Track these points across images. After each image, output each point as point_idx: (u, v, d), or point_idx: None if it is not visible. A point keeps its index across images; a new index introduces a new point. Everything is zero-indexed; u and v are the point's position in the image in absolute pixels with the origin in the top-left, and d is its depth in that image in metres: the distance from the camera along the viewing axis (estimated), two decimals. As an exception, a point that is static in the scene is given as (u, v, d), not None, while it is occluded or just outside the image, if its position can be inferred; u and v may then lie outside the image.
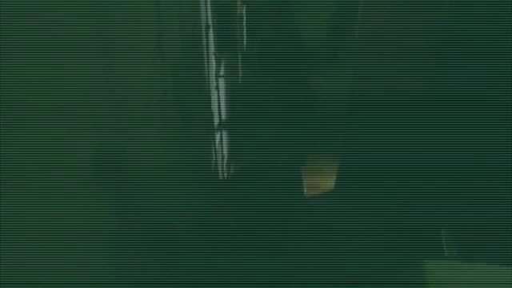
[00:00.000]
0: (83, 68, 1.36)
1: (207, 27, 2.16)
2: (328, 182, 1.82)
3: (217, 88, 2.29)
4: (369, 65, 1.89)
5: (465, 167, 1.81)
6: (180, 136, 1.93)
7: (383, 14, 1.81)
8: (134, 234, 1.32)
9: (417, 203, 1.74)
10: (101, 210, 1.33)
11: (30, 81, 1.11)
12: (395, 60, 1.82)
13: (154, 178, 1.48)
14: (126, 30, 1.72)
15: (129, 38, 1.76)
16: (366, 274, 1.33)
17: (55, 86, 1.22)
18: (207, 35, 2.16)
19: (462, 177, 1.79)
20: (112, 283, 1.27)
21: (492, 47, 1.72)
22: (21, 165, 1.04)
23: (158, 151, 1.67)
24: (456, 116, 1.83)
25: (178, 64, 2.06)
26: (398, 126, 1.85)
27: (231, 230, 1.40)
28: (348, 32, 2.03)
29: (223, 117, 2.28)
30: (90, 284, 1.24)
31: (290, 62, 2.26)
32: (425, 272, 1.39)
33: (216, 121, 2.21)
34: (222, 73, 2.29)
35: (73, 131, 1.29)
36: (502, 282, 1.34)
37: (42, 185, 1.11)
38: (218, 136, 2.14)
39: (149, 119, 1.73)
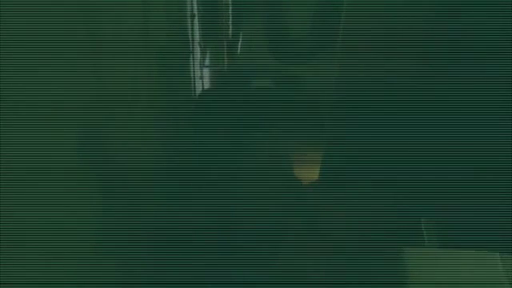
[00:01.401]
0: (69, 62, 1.32)
1: (192, 16, 2.13)
2: (311, 181, 1.84)
3: (201, 78, 2.28)
4: (360, 64, 1.92)
5: (462, 167, 1.85)
6: (165, 128, 1.92)
7: (375, 12, 1.82)
8: (135, 234, 1.32)
9: (413, 203, 1.78)
10: (101, 210, 1.32)
11: (24, 81, 1.09)
12: (388, 60, 1.84)
13: (151, 176, 1.46)
14: (111, 22, 1.68)
15: (114, 29, 1.72)
16: (362, 273, 1.37)
17: (47, 86, 1.19)
18: (192, 24, 2.13)
19: (459, 177, 1.83)
20: (113, 283, 1.27)
21: (489, 47, 1.74)
22: (16, 165, 1.02)
23: (146, 147, 1.65)
24: (450, 115, 1.87)
25: (163, 54, 2.03)
26: (394, 125, 1.89)
27: (231, 229, 1.42)
28: (335, 26, 2.03)
29: (208, 107, 2.27)
30: (90, 284, 1.25)
31: (277, 52, 2.26)
32: (420, 271, 1.44)
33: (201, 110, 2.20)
34: (206, 62, 2.27)
35: (70, 131, 1.28)
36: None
37: (42, 185, 1.10)
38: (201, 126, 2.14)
39: (138, 114, 1.71)
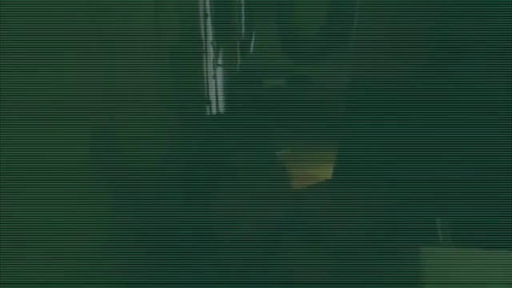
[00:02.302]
0: (75, 60, 1.33)
1: (205, 16, 2.14)
2: (324, 180, 1.83)
3: (214, 77, 2.28)
4: (374, 63, 1.90)
5: (462, 167, 1.83)
6: (177, 128, 1.92)
7: (388, 11, 1.81)
8: (134, 233, 1.32)
9: (413, 202, 1.77)
10: (101, 210, 1.33)
11: (27, 81, 1.10)
12: (394, 60, 1.83)
13: (153, 175, 1.45)
14: (122, 20, 1.69)
15: (126, 29, 1.73)
16: (362, 274, 1.36)
17: (52, 86, 1.20)
18: (205, 24, 2.14)
19: (460, 177, 1.82)
20: (113, 283, 1.27)
21: (493, 47, 1.73)
22: (19, 165, 1.04)
23: (156, 146, 1.64)
24: (466, 115, 1.85)
25: (176, 54, 2.04)
26: (407, 125, 1.88)
27: (230, 229, 1.41)
28: (349, 24, 2.02)
29: (220, 106, 2.28)
30: (90, 284, 1.26)
31: (290, 51, 2.25)
32: (435, 271, 1.42)
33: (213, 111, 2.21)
34: (219, 62, 2.28)
35: (73, 131, 1.29)
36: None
37: (42, 185, 1.11)
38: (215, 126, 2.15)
39: (147, 114, 1.72)
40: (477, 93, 1.78)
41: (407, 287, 1.44)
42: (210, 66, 2.23)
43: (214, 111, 2.26)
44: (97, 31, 1.50)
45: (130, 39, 1.72)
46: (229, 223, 1.46)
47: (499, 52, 1.73)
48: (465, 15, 1.72)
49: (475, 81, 1.78)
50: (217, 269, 1.37)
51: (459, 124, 1.82)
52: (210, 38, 2.20)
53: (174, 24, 2.02)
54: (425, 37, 1.82)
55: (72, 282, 1.20)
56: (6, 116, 1.01)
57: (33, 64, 1.09)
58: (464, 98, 1.80)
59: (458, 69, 1.79)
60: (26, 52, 1.09)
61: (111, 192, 1.40)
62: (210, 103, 2.24)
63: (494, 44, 1.70)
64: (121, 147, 1.54)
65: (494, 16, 1.68)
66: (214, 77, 2.27)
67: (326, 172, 1.96)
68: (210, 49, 2.21)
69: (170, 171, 1.66)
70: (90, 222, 1.32)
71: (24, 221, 1.04)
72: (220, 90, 2.30)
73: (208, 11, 2.15)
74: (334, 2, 2.14)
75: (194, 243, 1.38)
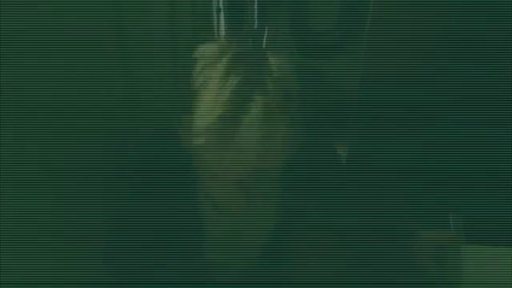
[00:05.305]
0: (86, 59, 1.31)
1: (218, 10, 2.13)
2: (333, 179, 1.81)
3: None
4: (378, 64, 1.89)
5: (476, 165, 1.83)
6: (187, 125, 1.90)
7: (396, 13, 1.79)
8: (135, 233, 1.29)
9: (418, 203, 1.77)
10: (101, 210, 1.32)
11: (40, 81, 1.09)
12: (410, 59, 1.82)
13: (158, 176, 1.40)
14: (136, 15, 1.68)
15: (139, 23, 1.72)
16: (373, 274, 1.35)
17: (65, 86, 1.19)
18: (218, 18, 2.13)
19: (473, 175, 1.81)
20: (112, 283, 1.26)
21: (503, 48, 1.72)
22: (20, 164, 1.03)
23: (168, 145, 1.61)
24: (469, 115, 1.85)
25: (189, 48, 2.02)
26: (407, 124, 1.87)
27: (232, 229, 1.38)
28: (363, 18, 2.00)
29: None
30: (90, 284, 1.25)
31: (303, 46, 2.24)
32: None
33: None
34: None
35: (78, 131, 1.27)
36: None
37: (42, 184, 1.10)
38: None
39: (155, 113, 1.69)
40: (493, 92, 1.77)
41: (420, 287, 1.43)
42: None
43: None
44: (108, 29, 1.48)
45: (142, 37, 1.71)
46: (231, 222, 1.42)
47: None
48: (484, 15, 1.71)
49: (490, 81, 1.77)
50: (217, 269, 1.35)
51: (475, 123, 1.81)
52: (223, 32, 2.18)
53: (187, 18, 2.01)
54: (441, 37, 1.80)
55: (72, 282, 1.19)
56: (17, 116, 1.01)
57: (38, 64, 1.07)
58: (480, 98, 1.79)
59: (475, 69, 1.78)
60: (40, 52, 1.08)
61: (118, 193, 1.37)
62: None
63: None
64: (134, 147, 1.52)
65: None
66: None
67: (336, 170, 1.94)
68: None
69: (182, 169, 1.62)
70: (91, 222, 1.30)
71: (24, 221, 1.03)
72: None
73: (221, 6, 2.13)
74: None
75: (193, 243, 1.35)
